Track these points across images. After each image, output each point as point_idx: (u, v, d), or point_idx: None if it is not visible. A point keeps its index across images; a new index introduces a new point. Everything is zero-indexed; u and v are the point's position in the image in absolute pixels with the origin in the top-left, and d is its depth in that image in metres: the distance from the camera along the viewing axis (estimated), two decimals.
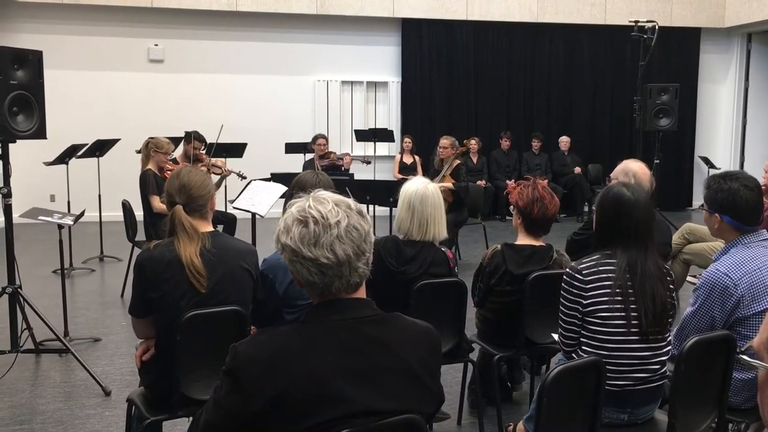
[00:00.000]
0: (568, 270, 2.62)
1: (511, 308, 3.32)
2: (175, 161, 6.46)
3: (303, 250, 1.57)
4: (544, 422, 2.07)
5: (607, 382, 2.31)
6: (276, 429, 1.52)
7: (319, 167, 7.92)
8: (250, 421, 1.52)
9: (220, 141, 7.46)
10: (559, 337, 2.71)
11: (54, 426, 3.66)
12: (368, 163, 8.40)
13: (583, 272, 2.55)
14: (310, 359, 1.54)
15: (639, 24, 8.20)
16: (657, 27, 8.08)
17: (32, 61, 4.25)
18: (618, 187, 2.65)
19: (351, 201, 1.65)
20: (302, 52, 10.69)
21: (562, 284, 2.62)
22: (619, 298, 2.50)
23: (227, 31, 10.43)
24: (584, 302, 2.55)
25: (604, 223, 2.66)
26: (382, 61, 10.98)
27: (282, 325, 1.67)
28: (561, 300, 2.64)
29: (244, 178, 6.52)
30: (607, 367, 2.32)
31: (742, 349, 0.85)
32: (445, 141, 7.19)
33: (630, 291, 2.51)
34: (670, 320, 2.59)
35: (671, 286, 2.60)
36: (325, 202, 1.61)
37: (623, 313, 2.50)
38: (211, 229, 2.71)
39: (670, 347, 2.61)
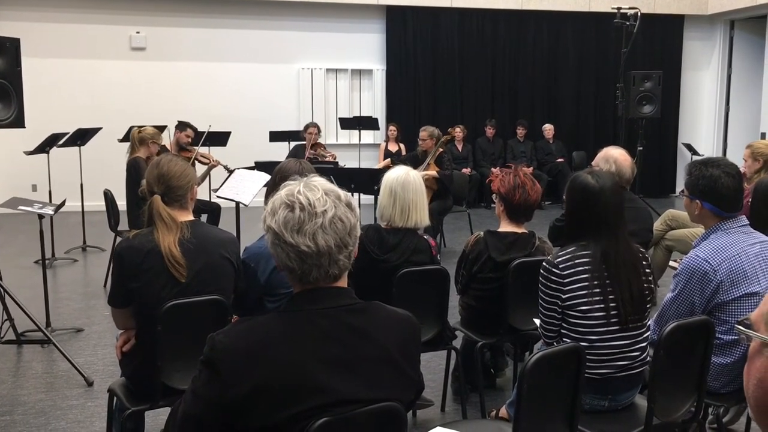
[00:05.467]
0: (544, 264, 2.62)
1: (493, 295, 3.33)
2: (165, 149, 6.37)
3: (285, 234, 1.55)
4: (525, 408, 2.08)
5: (588, 370, 2.32)
6: (256, 419, 1.51)
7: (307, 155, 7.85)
8: (229, 410, 1.51)
9: (202, 130, 7.39)
10: (540, 329, 2.72)
11: (35, 417, 3.63)
12: None
13: (560, 266, 2.55)
14: (289, 348, 1.53)
15: (622, 11, 8.21)
16: (640, 14, 8.10)
17: (9, 48, 4.20)
18: (583, 176, 2.63)
19: (342, 192, 1.62)
20: (286, 40, 10.61)
21: (540, 278, 2.62)
22: (598, 290, 2.51)
23: (210, 19, 10.32)
24: (563, 296, 2.55)
25: (572, 212, 2.65)
26: (366, 49, 10.92)
27: (262, 314, 1.66)
28: (540, 293, 2.64)
29: (231, 172, 6.47)
30: (588, 356, 2.33)
31: (740, 320, 0.87)
32: (423, 133, 7.09)
33: (607, 282, 2.51)
34: (648, 306, 2.60)
35: (647, 271, 2.61)
36: (316, 189, 1.58)
37: (602, 305, 2.50)
38: (191, 218, 2.69)
39: (649, 333, 2.63)
